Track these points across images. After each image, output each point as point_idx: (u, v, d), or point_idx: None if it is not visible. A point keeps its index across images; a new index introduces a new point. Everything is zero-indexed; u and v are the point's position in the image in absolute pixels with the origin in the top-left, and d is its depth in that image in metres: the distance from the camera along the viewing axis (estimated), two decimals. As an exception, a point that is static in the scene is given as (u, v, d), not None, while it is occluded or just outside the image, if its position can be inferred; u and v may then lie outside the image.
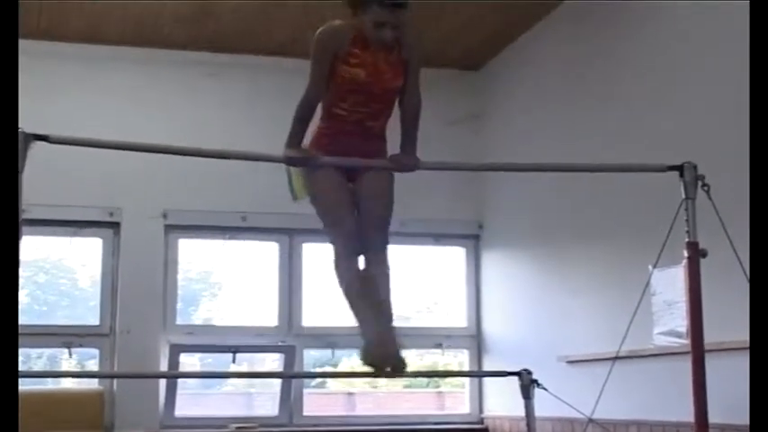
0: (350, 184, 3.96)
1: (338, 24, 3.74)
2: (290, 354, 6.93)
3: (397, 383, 7.95)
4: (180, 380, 6.85)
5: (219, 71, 7.02)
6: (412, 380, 7.95)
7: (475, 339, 7.36)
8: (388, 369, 3.87)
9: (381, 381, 7.85)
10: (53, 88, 6.72)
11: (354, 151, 3.83)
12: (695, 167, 3.79)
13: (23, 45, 6.57)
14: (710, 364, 3.71)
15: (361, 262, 3.93)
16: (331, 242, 3.94)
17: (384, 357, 3.83)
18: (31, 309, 6.93)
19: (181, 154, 3.97)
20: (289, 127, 3.83)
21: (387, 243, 3.94)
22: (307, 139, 3.90)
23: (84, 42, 6.75)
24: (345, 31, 3.71)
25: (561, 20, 6.31)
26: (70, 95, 6.73)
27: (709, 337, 3.75)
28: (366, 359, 3.85)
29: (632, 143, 5.38)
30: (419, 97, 3.87)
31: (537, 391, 5.14)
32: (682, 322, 4.57)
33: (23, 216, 3.15)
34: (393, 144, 3.98)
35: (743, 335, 4.22)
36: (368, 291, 3.85)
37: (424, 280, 7.64)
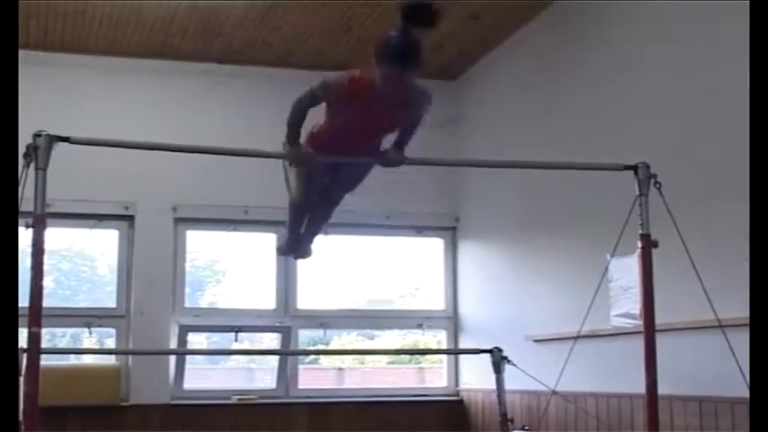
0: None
1: (339, 82, 3.52)
2: (287, 333, 6.92)
3: (382, 359, 7.96)
4: (188, 356, 6.84)
5: (224, 80, 6.99)
6: (395, 356, 7.95)
7: (452, 320, 7.36)
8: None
9: (368, 357, 7.85)
10: (75, 95, 6.69)
11: (351, 147, 3.70)
12: (648, 167, 3.79)
13: (48, 57, 6.62)
14: (660, 342, 3.72)
15: None
16: (290, 202, 4.19)
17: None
18: (55, 293, 6.89)
19: (188, 152, 3.97)
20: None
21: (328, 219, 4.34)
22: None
23: (102, 54, 6.72)
24: (344, 90, 3.50)
25: (531, 34, 6.30)
26: (90, 102, 6.70)
27: (660, 319, 3.76)
28: (280, 251, 4.64)
29: (595, 143, 5.39)
30: (421, 117, 3.73)
31: (507, 367, 5.17)
32: (635, 305, 4.58)
33: (48, 210, 3.13)
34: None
35: (690, 316, 4.25)
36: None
37: (406, 267, 7.64)
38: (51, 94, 6.59)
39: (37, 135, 3.16)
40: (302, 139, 3.73)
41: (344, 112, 3.59)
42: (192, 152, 4.00)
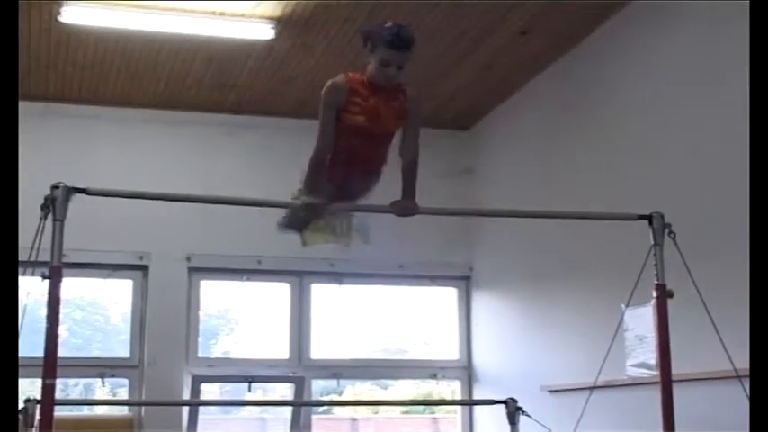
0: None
1: (339, 80, 3.68)
2: (300, 383, 6.89)
3: (395, 410, 7.90)
4: (201, 407, 6.80)
5: (238, 131, 7.06)
6: (409, 406, 7.90)
7: (466, 370, 7.32)
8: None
9: (382, 407, 7.80)
10: (92, 146, 6.76)
11: (357, 172, 3.77)
12: (662, 216, 3.78)
13: (65, 109, 6.70)
14: (677, 392, 3.69)
15: None
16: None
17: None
18: (69, 342, 6.90)
19: (203, 202, 3.98)
20: (302, 178, 3.80)
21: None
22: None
23: (119, 106, 6.80)
24: (344, 85, 3.65)
25: (541, 85, 6.35)
26: (106, 152, 6.76)
27: (676, 369, 3.73)
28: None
29: (607, 193, 5.39)
30: (417, 148, 3.76)
31: (521, 418, 5.12)
32: (651, 355, 4.55)
33: (64, 260, 3.15)
34: (394, 191, 3.95)
35: (706, 366, 4.22)
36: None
37: (420, 317, 7.62)
38: (69, 145, 6.67)
39: (54, 187, 3.18)
40: None
41: (346, 120, 3.64)
42: (207, 202, 4.01)
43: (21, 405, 4.21)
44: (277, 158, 6.86)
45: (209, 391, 7.09)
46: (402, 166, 3.82)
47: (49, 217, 3.16)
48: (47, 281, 3.07)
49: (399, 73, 3.62)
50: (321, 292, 7.17)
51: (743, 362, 3.66)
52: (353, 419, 7.87)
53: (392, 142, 3.80)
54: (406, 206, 3.80)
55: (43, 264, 3.11)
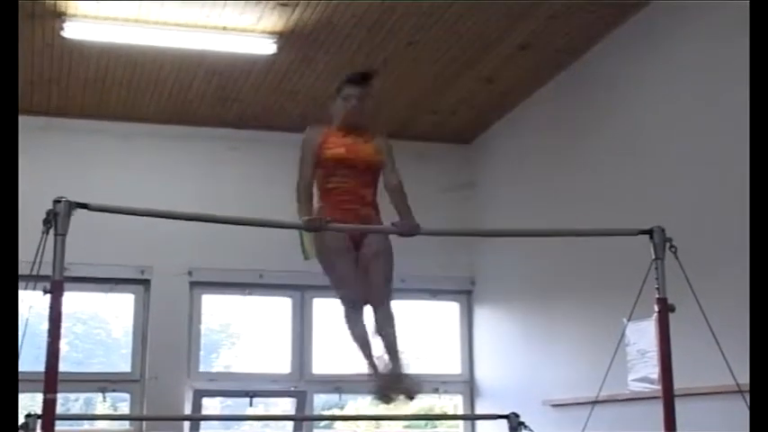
0: (353, 247, 4.04)
1: (314, 126, 4.10)
2: (302, 397, 6.88)
3: (398, 424, 7.88)
4: (202, 421, 6.79)
5: (241, 146, 7.07)
6: (411, 421, 7.87)
7: (468, 385, 7.31)
8: (401, 397, 4.07)
9: (384, 422, 7.78)
10: (94, 160, 6.76)
11: (353, 217, 3.95)
12: (663, 231, 3.79)
13: (68, 123, 6.71)
14: (680, 407, 3.68)
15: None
16: (339, 298, 4.07)
17: (394, 391, 4.05)
18: (69, 356, 6.88)
19: (205, 221, 4.03)
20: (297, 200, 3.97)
21: (390, 296, 4.11)
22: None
23: (121, 120, 6.81)
24: (319, 129, 4.07)
25: (544, 99, 6.36)
26: (109, 167, 6.76)
27: (678, 383, 3.73)
28: (379, 397, 4.11)
29: (609, 207, 5.40)
30: (398, 175, 4.05)
31: (524, 432, 5.10)
32: (653, 370, 4.54)
33: (66, 274, 3.15)
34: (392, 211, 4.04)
35: (708, 380, 4.21)
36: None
37: (422, 331, 7.61)
38: (71, 160, 6.68)
39: (57, 201, 3.19)
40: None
41: (327, 153, 4.00)
42: (209, 221, 4.07)
43: (21, 420, 4.20)
44: (279, 172, 6.84)
45: (211, 405, 7.08)
46: (389, 194, 4.06)
47: (51, 231, 3.17)
48: (48, 295, 3.08)
49: (359, 106, 4.00)
50: (323, 307, 7.16)
51: (745, 376, 3.66)
52: (355, 434, 7.85)
53: (379, 177, 4.07)
54: (407, 227, 3.88)
55: (45, 278, 3.12)
